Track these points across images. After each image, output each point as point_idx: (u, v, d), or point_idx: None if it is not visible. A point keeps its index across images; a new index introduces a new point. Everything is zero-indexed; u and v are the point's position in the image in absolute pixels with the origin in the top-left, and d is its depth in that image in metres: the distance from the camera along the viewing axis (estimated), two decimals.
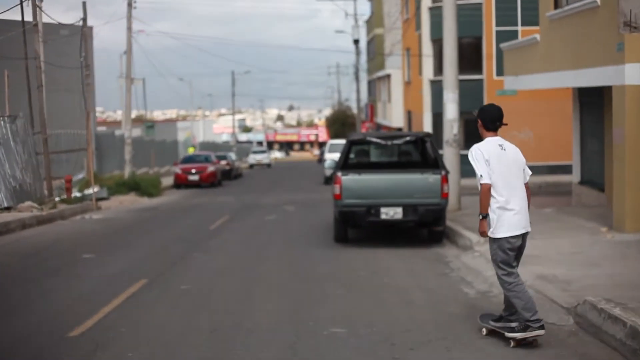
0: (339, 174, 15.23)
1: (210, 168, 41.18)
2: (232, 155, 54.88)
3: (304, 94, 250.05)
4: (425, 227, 15.86)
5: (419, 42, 39.31)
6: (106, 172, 38.37)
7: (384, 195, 15.05)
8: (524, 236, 7.89)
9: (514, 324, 7.84)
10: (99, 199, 30.25)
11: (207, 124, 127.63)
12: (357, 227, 16.16)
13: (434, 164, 16.15)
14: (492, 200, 7.73)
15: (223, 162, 49.17)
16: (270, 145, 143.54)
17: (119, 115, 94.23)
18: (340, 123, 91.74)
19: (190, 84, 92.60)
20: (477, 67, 36.75)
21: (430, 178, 15.07)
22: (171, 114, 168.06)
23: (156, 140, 52.75)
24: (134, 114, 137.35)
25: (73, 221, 23.14)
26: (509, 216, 7.70)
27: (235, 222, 20.99)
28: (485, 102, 36.01)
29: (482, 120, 7.92)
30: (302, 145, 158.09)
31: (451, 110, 20.58)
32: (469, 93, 36.75)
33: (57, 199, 26.33)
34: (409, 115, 44.62)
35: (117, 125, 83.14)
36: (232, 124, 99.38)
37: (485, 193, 7.70)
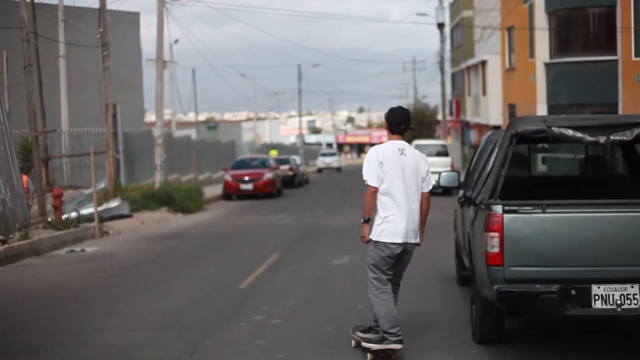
0: (496, 209, 7.11)
1: (267, 175, 33.51)
2: (297, 159, 47.23)
3: (374, 96, 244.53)
4: None
5: (529, 17, 31.06)
6: (139, 180, 30.93)
7: (599, 257, 6.94)
8: (407, 246, 7.53)
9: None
10: (116, 217, 22.93)
11: (274, 124, 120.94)
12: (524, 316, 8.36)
13: None
14: (379, 204, 7.47)
15: (285, 167, 41.51)
16: (340, 147, 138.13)
17: (190, 117, 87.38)
18: (417, 122, 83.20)
19: (254, 80, 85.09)
20: (609, 45, 28.27)
21: None
22: (241, 116, 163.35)
23: (208, 141, 45.21)
24: (203, 117, 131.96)
25: (51, 258, 15.65)
26: (394, 222, 7.42)
27: (284, 272, 13.03)
28: (621, 90, 27.71)
29: (388, 122, 7.64)
30: (373, 146, 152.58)
31: None
32: (599, 79, 28.43)
33: (49, 219, 18.89)
34: (511, 110, 36.29)
35: (184, 127, 76.14)
36: (299, 123, 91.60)
37: (369, 195, 7.47)
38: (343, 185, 43.84)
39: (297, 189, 41.33)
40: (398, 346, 7.42)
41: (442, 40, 49.62)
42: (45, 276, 13.23)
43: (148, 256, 15.55)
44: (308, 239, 17.90)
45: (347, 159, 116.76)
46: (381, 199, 7.49)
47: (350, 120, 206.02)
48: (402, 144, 7.61)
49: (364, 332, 7.81)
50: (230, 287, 11.55)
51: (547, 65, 29.85)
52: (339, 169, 70.88)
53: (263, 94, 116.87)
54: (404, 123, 7.64)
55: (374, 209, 7.55)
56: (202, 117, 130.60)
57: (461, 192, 11.25)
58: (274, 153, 60.67)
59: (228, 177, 33.38)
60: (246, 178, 33.07)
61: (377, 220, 7.50)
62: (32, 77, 20.88)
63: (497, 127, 39.86)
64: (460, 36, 54.27)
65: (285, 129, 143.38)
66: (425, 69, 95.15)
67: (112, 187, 25.16)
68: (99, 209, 23.59)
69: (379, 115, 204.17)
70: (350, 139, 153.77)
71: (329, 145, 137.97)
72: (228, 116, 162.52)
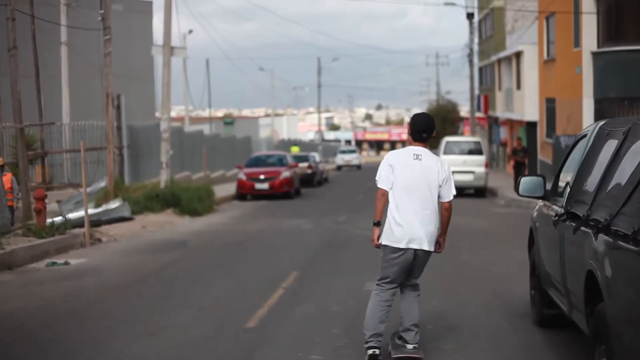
0: None
1: (285, 173, 30.82)
2: (316, 156, 44.45)
3: (393, 93, 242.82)
4: None
5: (574, 1, 28.14)
6: (146, 179, 28.29)
7: None
8: (417, 253, 7.26)
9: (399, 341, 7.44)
10: (116, 220, 20.41)
11: (292, 121, 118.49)
12: None
13: None
14: (388, 207, 7.34)
15: (303, 165, 38.79)
16: (359, 144, 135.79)
17: (208, 113, 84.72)
18: (440, 119, 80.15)
19: (272, 73, 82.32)
20: None
21: None
22: (259, 112, 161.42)
23: (222, 137, 42.51)
24: (221, 113, 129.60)
25: (24, 273, 13.06)
26: (397, 227, 7.24)
27: (305, 302, 10.22)
28: None
29: (410, 129, 7.43)
30: (392, 144, 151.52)
31: None
32: None
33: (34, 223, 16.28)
34: (549, 104, 33.41)
35: (200, 122, 73.37)
36: (318, 119, 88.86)
37: (379, 198, 7.37)
38: (365, 184, 40.96)
39: (316, 188, 38.63)
40: (370, 352, 7.24)
41: (471, 32, 46.71)
42: (3, 302, 10.56)
43: (139, 273, 12.86)
44: (332, 251, 15.18)
45: (365, 157, 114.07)
46: (389, 203, 7.36)
47: (369, 117, 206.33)
48: (419, 149, 7.37)
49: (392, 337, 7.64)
50: (236, 326, 8.79)
51: (594, 54, 26.97)
52: (358, 167, 68.50)
53: (282, 90, 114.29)
54: (426, 131, 7.37)
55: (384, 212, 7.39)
56: (219, 114, 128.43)
57: (539, 203, 8.52)
58: (295, 150, 58.33)
59: (242, 176, 30.74)
60: (262, 177, 30.44)
61: (386, 224, 7.37)
62: (17, 62, 18.25)
63: (532, 123, 36.98)
64: (489, 28, 51.30)
65: (303, 126, 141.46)
66: (449, 64, 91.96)
67: (112, 187, 22.56)
68: (98, 210, 21.08)
69: (397, 113, 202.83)
70: (369, 136, 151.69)
71: (348, 142, 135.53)
72: (246, 113, 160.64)
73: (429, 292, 9.70)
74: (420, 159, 7.30)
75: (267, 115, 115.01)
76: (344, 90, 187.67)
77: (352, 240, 16.75)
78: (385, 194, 7.32)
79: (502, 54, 41.87)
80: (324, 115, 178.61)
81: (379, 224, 7.41)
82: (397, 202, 7.27)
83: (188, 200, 23.49)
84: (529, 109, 36.09)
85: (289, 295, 10.55)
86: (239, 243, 16.64)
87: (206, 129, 53.52)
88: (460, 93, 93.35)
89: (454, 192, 7.43)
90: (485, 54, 52.10)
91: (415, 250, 7.23)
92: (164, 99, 25.18)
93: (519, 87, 38.09)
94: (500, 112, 44.04)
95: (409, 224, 7.19)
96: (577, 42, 27.98)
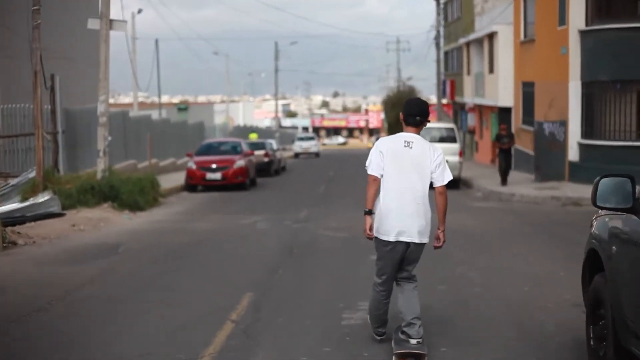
0: None
1: (239, 162, 27.94)
2: (273, 144, 41.62)
3: (350, 81, 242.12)
4: None
5: None
6: (85, 168, 25.22)
7: None
8: (409, 245, 6.93)
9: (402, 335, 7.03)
10: (45, 217, 17.57)
11: (248, 107, 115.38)
12: None
13: None
14: (380, 195, 6.97)
15: (260, 153, 35.98)
16: (317, 131, 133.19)
17: (164, 99, 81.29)
18: (401, 106, 77.46)
19: (227, 58, 79.04)
20: None
21: None
22: (216, 99, 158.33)
23: (172, 122, 39.35)
24: (178, 99, 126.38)
25: None
26: (387, 218, 6.91)
27: (262, 345, 7.41)
28: None
29: (403, 114, 7.09)
30: (350, 131, 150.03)
31: None
32: None
33: None
34: (526, 89, 30.86)
35: (151, 108, 69.63)
36: (275, 106, 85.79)
37: (370, 184, 7.00)
38: (327, 174, 38.33)
39: (273, 177, 35.84)
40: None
41: (439, 12, 44.07)
42: None
43: (47, 295, 9.90)
44: (295, 261, 12.36)
45: (323, 144, 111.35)
46: (380, 191, 6.96)
47: (325, 104, 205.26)
48: (411, 136, 6.99)
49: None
50: None
51: (582, 33, 24.44)
52: (317, 154, 66.15)
53: (238, 75, 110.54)
54: (420, 114, 7.00)
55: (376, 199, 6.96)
56: (176, 101, 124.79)
57: (602, 213, 5.83)
58: (253, 136, 56.22)
59: (192, 165, 27.81)
60: (213, 166, 27.55)
61: (376, 215, 6.99)
62: None
63: (506, 109, 34.43)
64: (457, 10, 48.69)
65: (260, 112, 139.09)
66: (410, 50, 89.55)
67: (41, 178, 19.58)
68: (21, 205, 18.14)
69: (354, 100, 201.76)
70: (326, 123, 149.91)
71: (305, 129, 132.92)
72: (202, 100, 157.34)
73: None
74: (412, 147, 6.94)
75: (222, 102, 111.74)
76: (301, 76, 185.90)
77: (318, 244, 13.99)
78: (376, 179, 6.96)
79: (472, 36, 39.23)
80: (280, 102, 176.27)
81: (370, 212, 7.01)
82: (386, 192, 6.94)
83: (128, 193, 20.53)
84: (503, 93, 33.57)
85: (240, 336, 7.64)
86: (181, 249, 13.72)
87: (155, 114, 50.26)
88: (421, 80, 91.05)
89: (450, 177, 7.01)
90: (452, 37, 49.52)
91: (406, 243, 6.91)
92: (101, 77, 22.13)
93: (491, 70, 35.52)
94: (469, 98, 41.45)
95: (398, 216, 6.87)
96: (562, 20, 25.42)
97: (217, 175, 27.37)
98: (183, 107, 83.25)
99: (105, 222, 18.03)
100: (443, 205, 6.96)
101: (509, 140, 26.25)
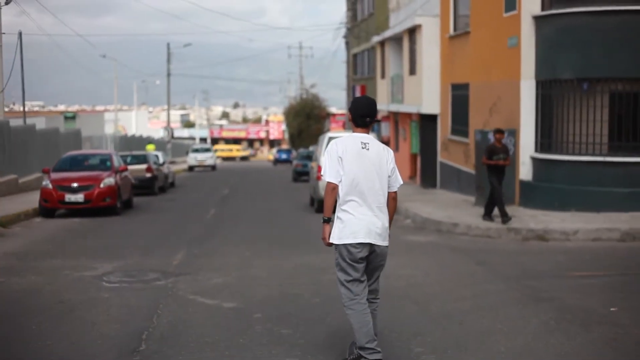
0: None
1: (108, 180, 22.18)
2: (160, 156, 35.85)
3: (250, 92, 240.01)
4: None
5: None
6: None
7: None
8: (374, 248, 6.64)
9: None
10: None
11: (141, 116, 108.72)
12: None
13: None
14: (339, 202, 6.69)
15: (141, 168, 30.26)
16: (216, 141, 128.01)
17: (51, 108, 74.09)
18: (304, 115, 72.53)
19: (115, 63, 72.43)
20: None
21: None
22: (112, 109, 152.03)
23: (37, 131, 33.01)
24: (75, 109, 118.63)
25: None
26: (353, 222, 6.59)
27: None
28: None
29: (352, 114, 6.83)
30: (250, 142, 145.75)
31: None
32: (626, 39, 18.63)
33: None
34: (457, 91, 25.95)
35: (31, 116, 62.54)
36: (167, 114, 79.43)
37: (329, 193, 6.65)
38: (221, 191, 32.81)
39: (157, 196, 30.13)
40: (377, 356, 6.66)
41: (349, 8, 38.99)
42: None
43: None
44: None
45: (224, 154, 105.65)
46: (340, 197, 6.66)
47: (225, 115, 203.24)
48: (366, 137, 6.75)
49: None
50: None
51: (538, 19, 19.60)
52: (213, 167, 61.29)
53: (135, 87, 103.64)
54: (369, 115, 6.75)
55: (333, 207, 6.68)
56: (73, 110, 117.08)
57: None
58: (151, 148, 51.75)
59: (47, 184, 21.96)
60: (74, 185, 21.80)
61: (336, 222, 6.71)
62: None
63: (430, 117, 29.52)
64: (368, 7, 43.71)
65: (157, 122, 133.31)
66: (313, 56, 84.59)
67: None
68: None
69: (254, 111, 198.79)
70: (225, 134, 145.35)
71: (203, 139, 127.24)
72: (100, 109, 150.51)
73: None
74: (369, 149, 6.66)
75: (113, 110, 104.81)
76: (200, 86, 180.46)
77: (188, 328, 8.50)
78: (335, 188, 6.61)
79: (388, 33, 34.15)
80: (179, 112, 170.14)
81: (329, 220, 6.75)
82: (347, 196, 6.59)
83: None
84: (427, 98, 28.58)
85: None
86: None
87: (40, 122, 43.67)
88: (325, 86, 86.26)
89: (401, 182, 6.85)
90: (363, 37, 44.55)
91: (371, 245, 6.59)
92: None
93: (412, 72, 30.50)
94: (384, 104, 36.36)
95: (364, 218, 6.56)
96: (511, 4, 20.54)
97: (79, 197, 21.60)
98: (70, 116, 76.33)
99: None
100: (393, 210, 6.82)
101: (505, 157, 17.80)
